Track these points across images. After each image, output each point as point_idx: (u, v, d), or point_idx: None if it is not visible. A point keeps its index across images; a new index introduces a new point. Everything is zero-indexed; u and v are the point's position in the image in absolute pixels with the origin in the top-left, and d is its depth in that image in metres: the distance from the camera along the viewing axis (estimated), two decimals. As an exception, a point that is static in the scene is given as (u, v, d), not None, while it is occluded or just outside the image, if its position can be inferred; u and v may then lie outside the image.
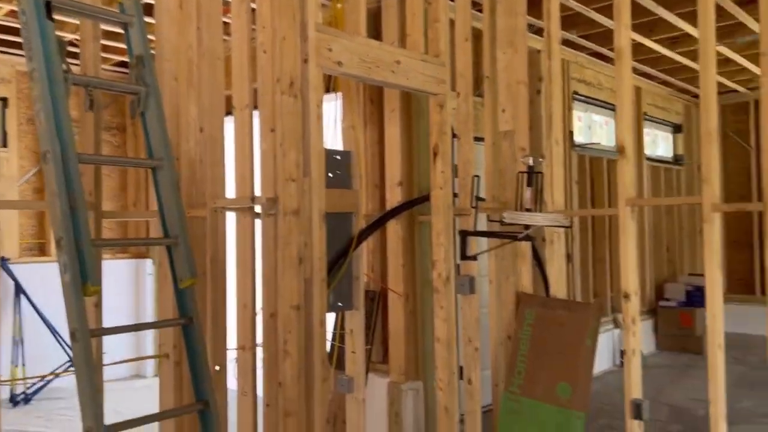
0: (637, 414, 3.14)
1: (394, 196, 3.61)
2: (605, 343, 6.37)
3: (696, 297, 7.11)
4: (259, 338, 2.71)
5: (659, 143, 8.09)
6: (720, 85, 7.42)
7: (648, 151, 7.50)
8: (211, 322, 2.87)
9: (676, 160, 8.24)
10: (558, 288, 3.55)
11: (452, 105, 3.36)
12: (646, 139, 7.50)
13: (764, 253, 8.03)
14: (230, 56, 2.76)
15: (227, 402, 2.86)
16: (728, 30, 5.50)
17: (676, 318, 7.04)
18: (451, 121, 3.35)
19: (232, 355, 2.89)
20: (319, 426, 2.57)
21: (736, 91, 7.90)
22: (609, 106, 6.85)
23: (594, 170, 6.56)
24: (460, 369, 3.55)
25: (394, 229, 3.63)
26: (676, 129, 8.30)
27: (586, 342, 3.27)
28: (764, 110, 2.78)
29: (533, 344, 3.40)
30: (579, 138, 6.38)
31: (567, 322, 3.34)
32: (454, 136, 3.46)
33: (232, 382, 2.84)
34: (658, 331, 7.21)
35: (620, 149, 3.27)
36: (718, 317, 2.90)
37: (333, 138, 3.48)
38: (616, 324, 6.51)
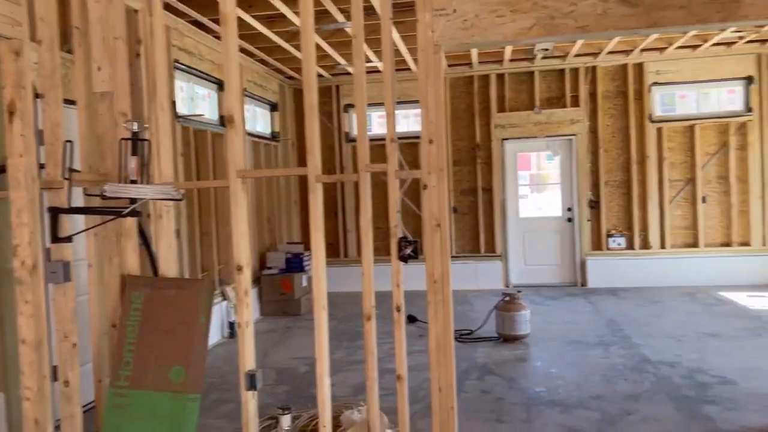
0: (252, 385, 3.16)
1: (-48, 166, 2.82)
2: (215, 316, 6.38)
3: (294, 263, 7.70)
4: None
5: (258, 120, 8.43)
6: (309, 68, 8.10)
7: (248, 126, 7.74)
8: None
9: (273, 136, 8.73)
10: (168, 266, 3.31)
11: (33, 58, 2.77)
12: (246, 115, 7.72)
13: (346, 220, 9.19)
14: None
15: None
16: (315, 17, 5.98)
17: (278, 284, 7.51)
18: (33, 76, 2.76)
19: None
20: None
21: (321, 75, 8.74)
22: (212, 79, 6.79)
23: (199, 143, 6.43)
24: (54, 370, 3.02)
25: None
26: (273, 107, 8.78)
27: (200, 320, 3.13)
28: (358, 93, 3.04)
29: (142, 330, 3.10)
30: (182, 109, 6.15)
31: (179, 301, 3.14)
32: (37, 96, 2.86)
33: None
34: (262, 298, 7.58)
35: (229, 119, 3.19)
36: (322, 280, 3.10)
37: None
38: (225, 297, 6.58)
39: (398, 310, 3.01)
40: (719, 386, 4.40)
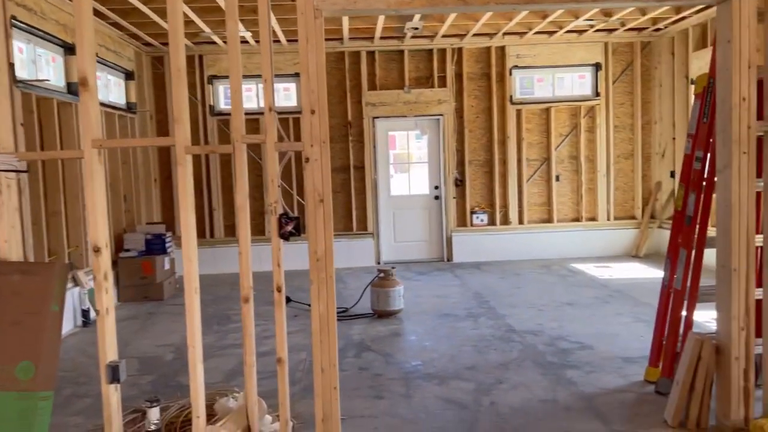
0: (114, 377, 2.86)
1: None
2: (66, 303, 5.79)
3: (155, 245, 7.20)
4: None
5: (112, 89, 7.73)
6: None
7: (100, 96, 7.06)
8: None
9: (129, 107, 8.06)
10: (12, 248, 2.90)
11: None
12: (99, 83, 7.02)
13: (212, 199, 8.76)
14: None
15: None
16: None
17: (138, 267, 6.99)
18: None
19: None
20: None
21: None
22: (57, 41, 6.09)
23: (43, 113, 5.76)
24: None
25: None
26: (129, 76, 8.09)
27: (51, 308, 2.77)
28: (232, 55, 2.81)
29: (-20, 322, 2.69)
30: (22, 73, 5.46)
31: (25, 288, 2.76)
32: None
33: None
34: (119, 283, 7.02)
35: (82, 81, 2.83)
36: (193, 261, 2.86)
37: None
38: (76, 282, 6.00)
39: (278, 290, 2.86)
40: (578, 351, 4.72)
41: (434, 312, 6.13)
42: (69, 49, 6.26)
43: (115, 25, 7.17)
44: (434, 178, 9.13)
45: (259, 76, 8.62)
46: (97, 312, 2.90)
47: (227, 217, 8.78)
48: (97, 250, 2.90)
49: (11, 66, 5.04)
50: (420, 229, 9.15)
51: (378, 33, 8.08)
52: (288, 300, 6.64)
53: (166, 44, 8.24)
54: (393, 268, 6.01)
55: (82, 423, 3.72)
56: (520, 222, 9.12)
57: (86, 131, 2.84)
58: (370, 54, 8.84)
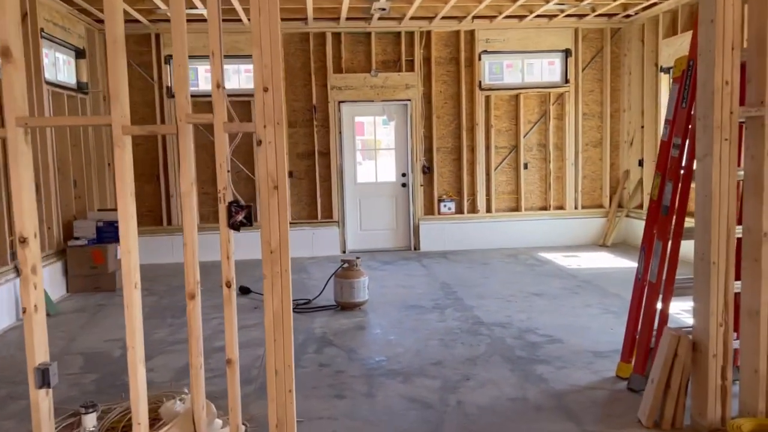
0: (44, 381, 2.57)
1: None
2: (5, 295, 5.42)
3: (107, 233, 6.82)
4: None
5: (61, 68, 7.28)
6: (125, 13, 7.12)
7: (48, 75, 6.63)
8: None
9: (80, 87, 7.62)
10: None
11: None
12: (46, 60, 6.59)
13: (169, 184, 8.38)
14: None
15: None
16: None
17: (88, 256, 6.61)
18: None
19: None
20: None
21: (138, 21, 7.75)
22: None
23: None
24: None
25: None
26: (80, 54, 7.64)
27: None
28: (175, 26, 2.52)
29: None
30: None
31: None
32: None
33: None
34: (68, 272, 6.63)
35: (4, 52, 2.51)
36: (133, 252, 2.58)
37: None
38: (19, 272, 5.60)
39: (228, 285, 2.60)
40: (548, 345, 4.56)
41: (400, 303, 5.92)
42: (10, 23, 5.81)
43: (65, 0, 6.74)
44: (401, 165, 8.90)
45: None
46: (23, 309, 2.61)
47: (186, 204, 8.41)
48: (23, 241, 2.59)
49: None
50: (386, 217, 8.92)
51: (344, 14, 7.78)
52: (247, 291, 6.36)
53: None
54: (357, 258, 5.77)
55: (16, 428, 3.41)
56: (488, 210, 8.97)
57: (9, 108, 2.52)
58: (336, 36, 8.53)
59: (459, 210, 8.93)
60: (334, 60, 8.54)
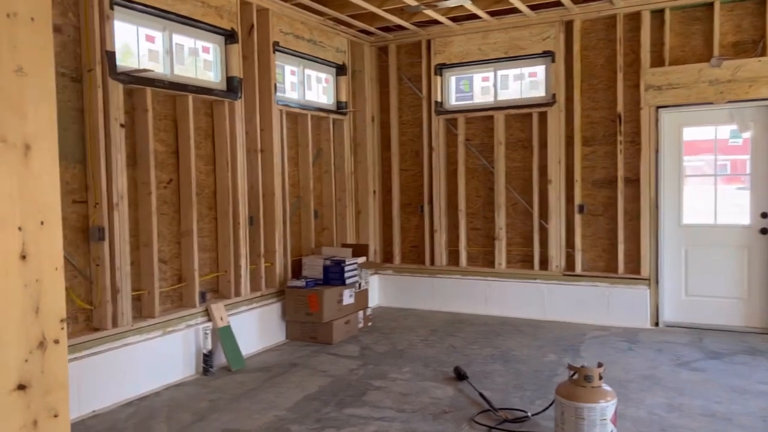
0: None
1: None
2: (183, 343, 4.75)
3: (333, 273, 5.80)
4: None
5: (313, 86, 6.64)
6: (386, 21, 6.08)
7: (295, 95, 5.97)
8: None
9: (339, 107, 6.88)
10: None
11: None
12: (293, 79, 5.95)
13: (433, 217, 7.02)
14: None
15: None
16: None
17: (303, 301, 5.66)
18: None
19: None
20: None
21: (405, 28, 6.64)
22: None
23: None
24: None
25: None
26: (340, 70, 6.91)
27: None
28: None
29: None
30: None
31: None
32: None
33: None
34: (285, 317, 5.80)
35: None
36: None
37: None
38: (210, 317, 4.93)
39: None
40: None
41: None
42: (229, 37, 5.27)
43: (318, 12, 6.03)
44: (762, 201, 5.75)
45: (497, 60, 6.57)
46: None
47: (452, 241, 6.96)
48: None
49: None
50: (731, 278, 5.86)
51: (659, -24, 5.26)
52: (463, 377, 4.52)
53: (387, 29, 6.82)
54: (601, 366, 3.38)
55: None
56: None
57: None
58: (657, 14, 5.96)
59: None
60: (654, 48, 5.98)
